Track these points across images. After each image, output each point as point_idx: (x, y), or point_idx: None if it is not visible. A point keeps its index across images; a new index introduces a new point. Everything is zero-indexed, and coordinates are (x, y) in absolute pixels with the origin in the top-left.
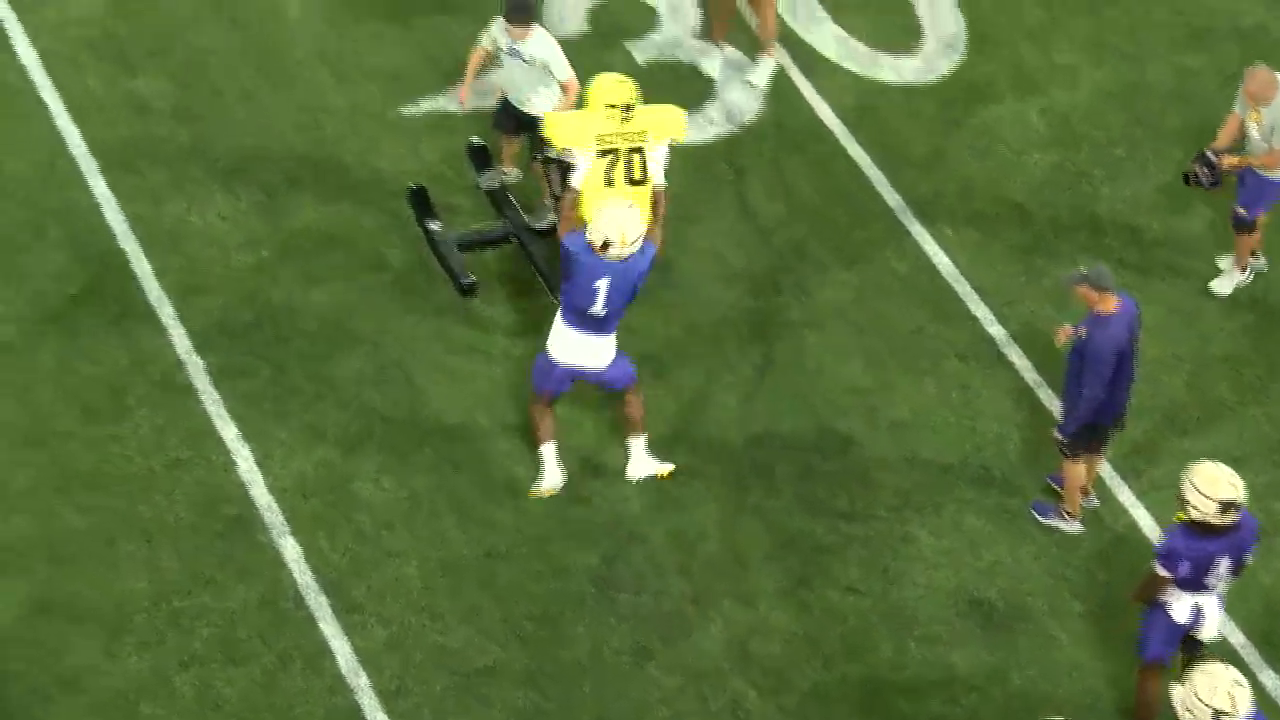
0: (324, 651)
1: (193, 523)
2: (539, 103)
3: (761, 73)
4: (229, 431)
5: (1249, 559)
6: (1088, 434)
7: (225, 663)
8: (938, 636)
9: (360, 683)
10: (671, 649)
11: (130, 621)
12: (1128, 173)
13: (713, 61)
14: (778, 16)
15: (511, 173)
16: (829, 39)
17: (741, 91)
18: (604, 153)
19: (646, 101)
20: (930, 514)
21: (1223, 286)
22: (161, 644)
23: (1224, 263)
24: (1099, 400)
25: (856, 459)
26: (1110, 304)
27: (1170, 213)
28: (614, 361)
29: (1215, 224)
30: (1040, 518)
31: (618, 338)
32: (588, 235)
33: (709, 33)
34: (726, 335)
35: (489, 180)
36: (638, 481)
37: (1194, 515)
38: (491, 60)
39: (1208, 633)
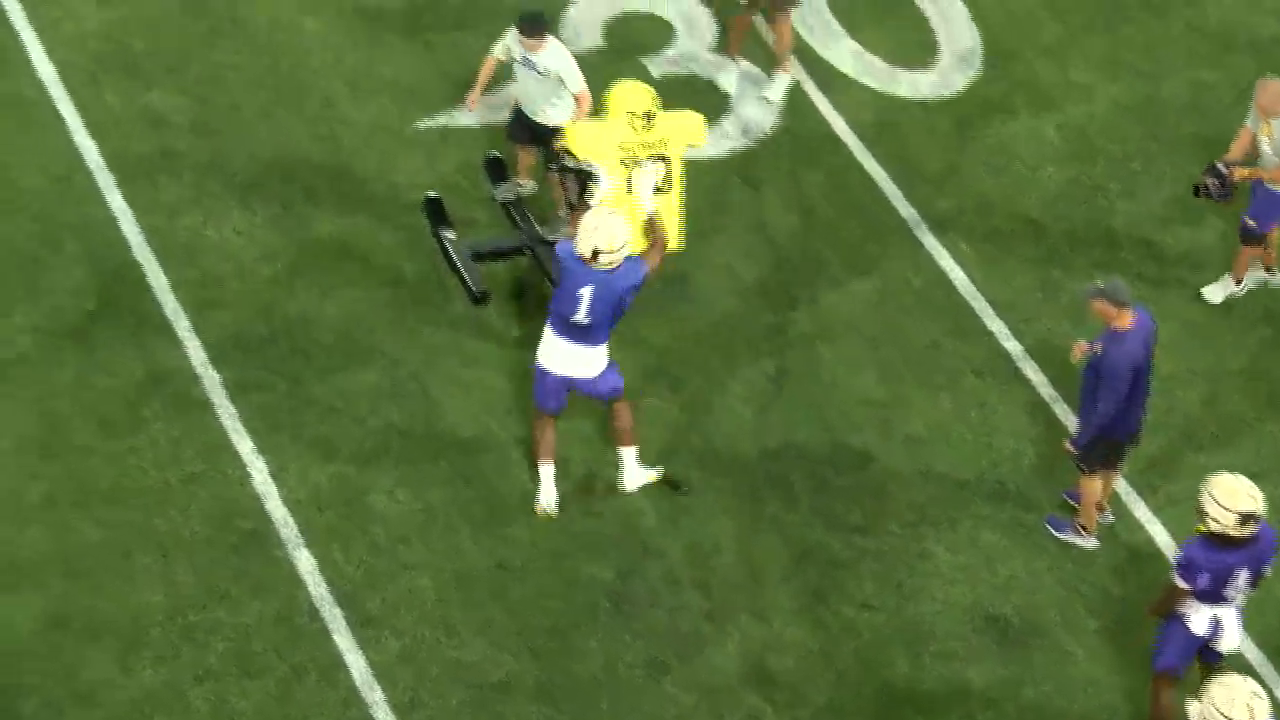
0: (338, 665)
1: (208, 536)
2: (553, 114)
3: (777, 88)
4: (244, 445)
5: (1268, 571)
6: (1104, 449)
7: (240, 676)
8: (953, 652)
9: (375, 696)
10: (687, 664)
11: (145, 635)
12: (1144, 187)
13: (729, 76)
14: (794, 31)
15: (527, 184)
16: (845, 54)
17: (757, 106)
18: (626, 163)
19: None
20: (946, 529)
21: (1214, 294)
22: (176, 658)
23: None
24: (1112, 415)
25: (872, 473)
26: (1126, 319)
27: (1187, 227)
28: (605, 373)
29: (1229, 236)
30: (1056, 533)
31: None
32: (576, 246)
33: (725, 48)
34: (741, 348)
35: (504, 193)
36: (638, 490)
37: (1213, 527)
38: (504, 71)
39: (1227, 645)
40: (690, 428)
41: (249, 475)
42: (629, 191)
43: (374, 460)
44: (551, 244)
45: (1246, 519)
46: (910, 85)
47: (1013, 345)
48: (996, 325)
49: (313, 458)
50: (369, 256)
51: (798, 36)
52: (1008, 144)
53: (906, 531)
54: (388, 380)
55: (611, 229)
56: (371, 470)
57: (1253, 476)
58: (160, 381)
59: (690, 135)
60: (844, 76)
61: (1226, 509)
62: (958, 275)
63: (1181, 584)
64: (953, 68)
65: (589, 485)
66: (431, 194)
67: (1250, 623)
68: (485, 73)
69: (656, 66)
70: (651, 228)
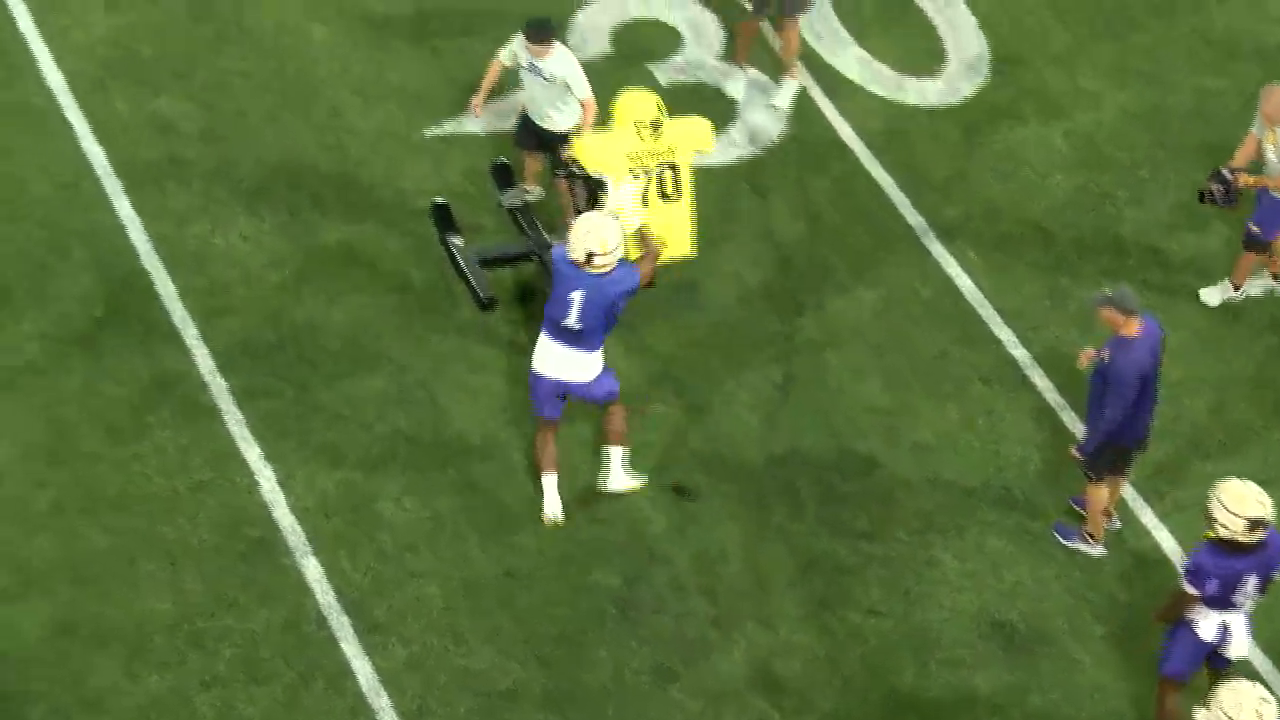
0: (346, 672)
1: (215, 543)
2: (559, 119)
3: (785, 95)
4: (252, 452)
5: (1277, 576)
6: (1111, 456)
7: (247, 683)
8: (960, 659)
9: (382, 703)
10: (693, 671)
11: (152, 642)
12: (1151, 194)
13: (736, 84)
14: (801, 39)
15: (534, 191)
16: (852, 61)
17: (765, 113)
18: (635, 173)
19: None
20: (953, 536)
21: (1211, 297)
22: (183, 664)
23: (1250, 284)
24: (1119, 422)
25: (878, 480)
26: (1134, 327)
27: (1194, 234)
28: (600, 378)
29: (1235, 244)
30: (1063, 540)
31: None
32: (569, 251)
33: (733, 55)
34: (748, 355)
35: (512, 199)
36: (612, 491)
37: (1221, 533)
38: (512, 77)
39: (1235, 651)
40: (697, 434)
41: (256, 482)
42: (643, 204)
43: (381, 467)
44: None
45: (1255, 525)
46: (918, 92)
47: (1020, 353)
48: (1004, 333)
49: (320, 464)
50: (376, 263)
51: (805, 43)
52: (1015, 151)
53: (913, 538)
54: (395, 387)
55: (605, 232)
56: (379, 477)
57: (1260, 484)
58: (168, 388)
59: (698, 141)
60: (851, 84)
61: (1235, 515)
62: (965, 283)
63: (1190, 590)
64: (960, 75)
65: (595, 492)
66: (438, 200)
67: (1259, 629)
68: (490, 77)
69: (664, 73)
70: (642, 239)
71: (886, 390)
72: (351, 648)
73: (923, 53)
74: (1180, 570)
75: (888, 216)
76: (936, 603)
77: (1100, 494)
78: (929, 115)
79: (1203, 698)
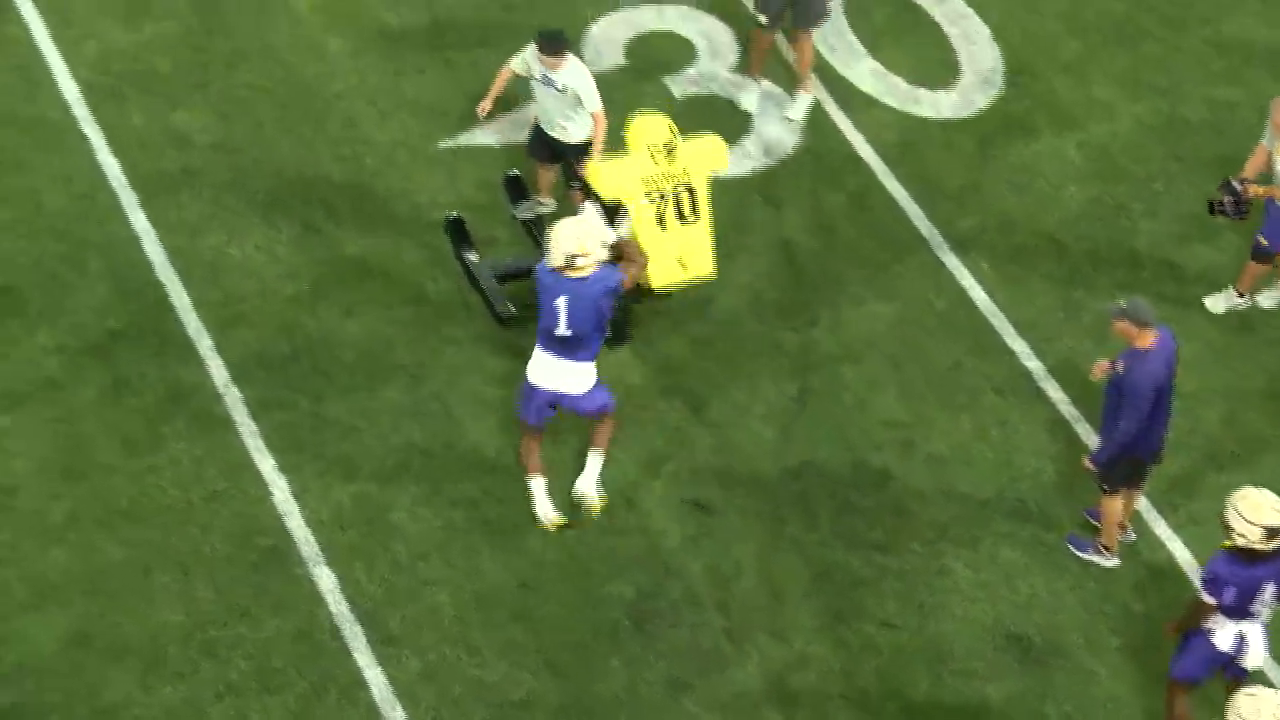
0: (359, 682)
1: (229, 554)
2: (571, 131)
3: (799, 107)
4: (266, 463)
5: None
6: (1126, 468)
7: (260, 693)
8: (974, 671)
9: (395, 714)
10: (707, 683)
11: (166, 653)
12: (1165, 206)
13: (750, 96)
14: (815, 51)
15: (548, 203)
16: (866, 74)
17: (779, 126)
18: (654, 199)
19: (684, 135)
20: (967, 548)
21: (1216, 305)
22: (197, 674)
23: (1263, 296)
24: (1133, 434)
25: (893, 492)
26: (1149, 339)
27: (1208, 246)
28: (592, 392)
29: (1246, 255)
30: (1077, 552)
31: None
32: (549, 258)
33: (747, 67)
34: (762, 368)
35: (525, 211)
36: (577, 491)
37: (1239, 541)
38: (525, 90)
39: (1252, 661)
40: (711, 447)
41: (270, 493)
42: (660, 226)
43: (395, 479)
44: None
45: (1272, 533)
46: (932, 104)
47: (1034, 364)
48: (1018, 344)
49: (334, 476)
50: (391, 275)
51: (819, 56)
52: (1030, 163)
53: (927, 550)
54: (409, 399)
55: (583, 233)
56: (393, 489)
57: (1276, 494)
58: (182, 400)
59: (713, 161)
60: (865, 96)
61: (1252, 523)
62: (979, 294)
63: (1208, 599)
64: (974, 87)
65: (610, 505)
66: (453, 215)
67: (1276, 640)
68: (499, 82)
69: (678, 86)
70: (624, 251)
71: (901, 402)
72: (365, 658)
73: (937, 64)
74: (1196, 581)
75: (902, 228)
76: (950, 614)
77: (1115, 506)
78: (943, 127)
79: (1219, 709)
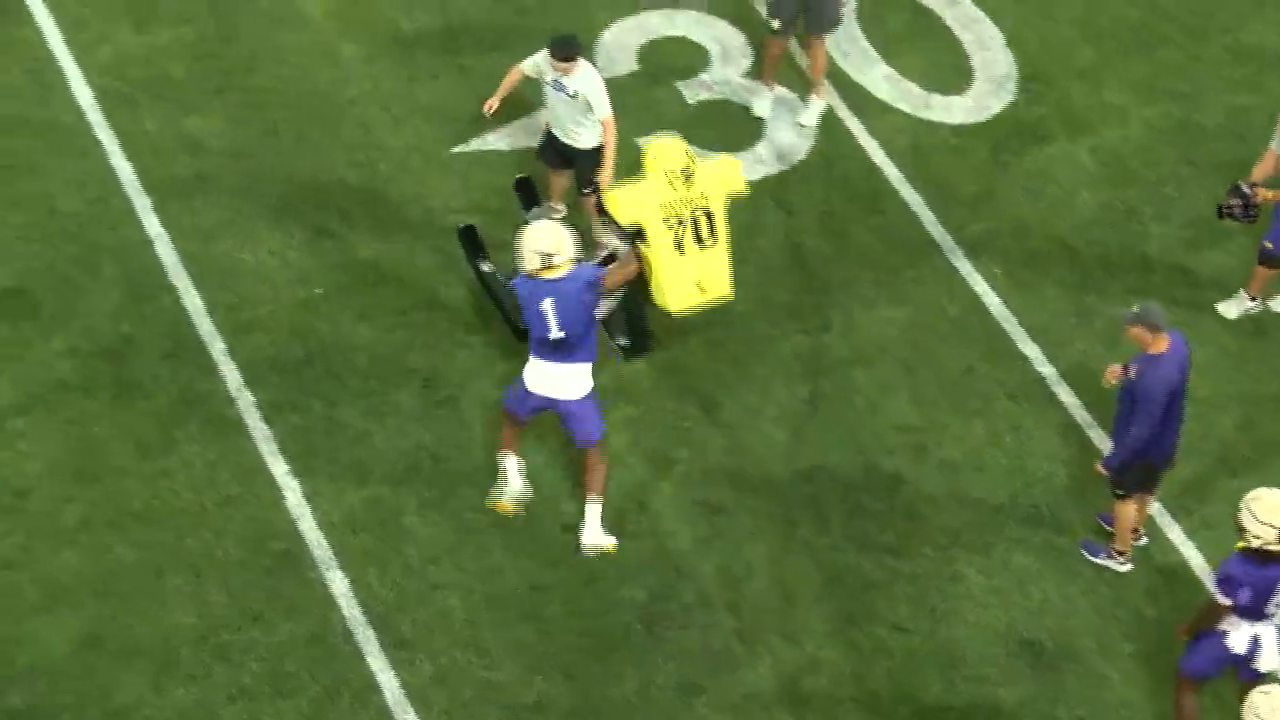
0: (371, 686)
1: (241, 558)
2: (582, 136)
3: (812, 113)
4: (279, 467)
5: None
6: (1139, 473)
7: (273, 696)
8: (986, 675)
9: (407, 718)
10: (719, 686)
11: (178, 655)
12: (1178, 211)
13: (763, 102)
14: (828, 57)
15: (560, 208)
16: (879, 79)
17: (792, 132)
18: (671, 223)
19: (697, 140)
20: (979, 552)
21: (1229, 310)
22: (209, 677)
23: (1277, 301)
24: (1146, 439)
25: (905, 496)
26: (1162, 344)
27: (1220, 251)
28: (586, 402)
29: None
30: (1090, 557)
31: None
32: (523, 264)
33: (759, 73)
34: (775, 372)
35: (537, 216)
36: (586, 548)
37: (1253, 543)
38: (537, 96)
39: (1266, 664)
40: (723, 449)
41: (283, 497)
42: (679, 251)
43: (407, 482)
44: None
45: None
46: (945, 110)
47: (1047, 369)
48: (1031, 349)
49: (347, 480)
50: (403, 280)
51: (832, 61)
52: (1043, 168)
53: (940, 554)
54: (421, 403)
55: (553, 234)
56: (405, 492)
57: None
58: (195, 404)
59: (730, 183)
60: (879, 101)
61: (1266, 524)
62: (992, 299)
63: (1223, 599)
64: (988, 92)
65: (621, 508)
66: (465, 225)
67: None
68: (508, 82)
69: (690, 91)
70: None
71: (913, 406)
72: (377, 661)
73: (950, 70)
74: (1209, 586)
75: (914, 233)
76: (963, 619)
77: (1128, 511)
78: (956, 132)
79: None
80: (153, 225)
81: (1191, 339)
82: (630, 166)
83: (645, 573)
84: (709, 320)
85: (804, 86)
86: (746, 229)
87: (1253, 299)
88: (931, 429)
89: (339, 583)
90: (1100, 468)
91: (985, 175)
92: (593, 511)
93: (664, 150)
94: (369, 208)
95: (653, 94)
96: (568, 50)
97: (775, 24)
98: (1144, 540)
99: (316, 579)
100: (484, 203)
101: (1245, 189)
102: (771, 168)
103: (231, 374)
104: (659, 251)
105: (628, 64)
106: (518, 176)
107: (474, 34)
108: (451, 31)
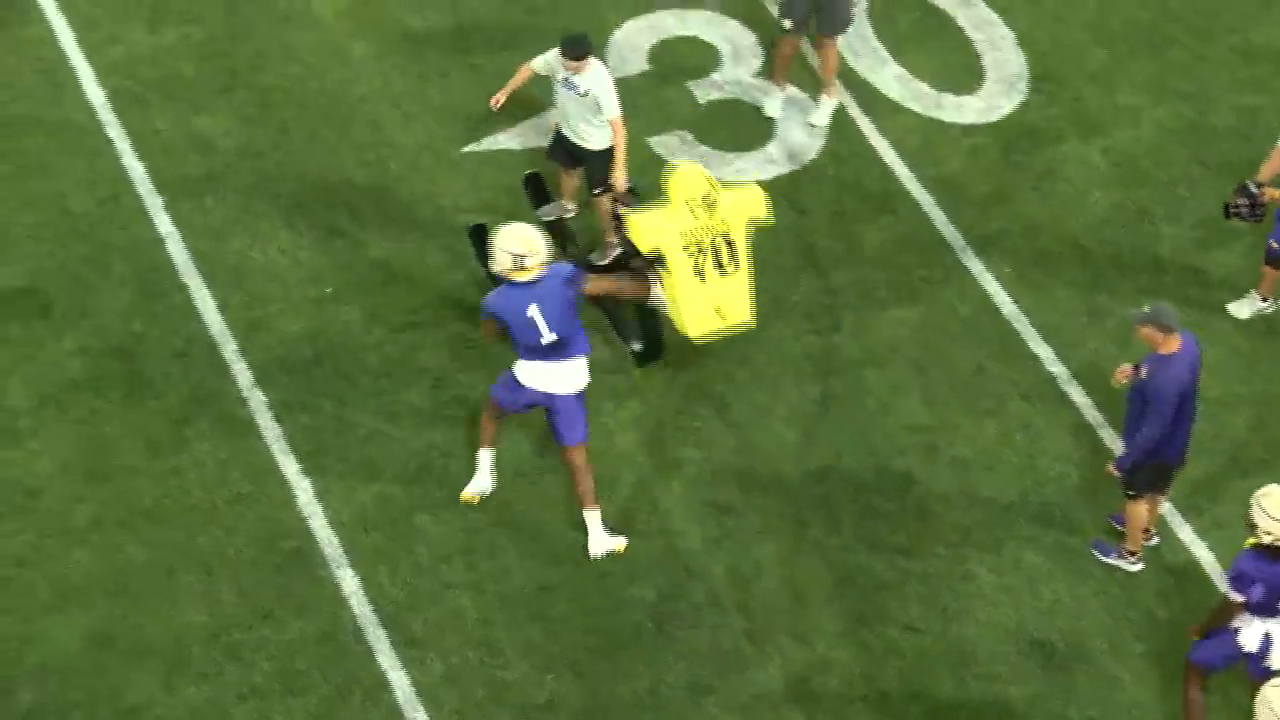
0: (383, 684)
1: (252, 556)
2: (592, 136)
3: (823, 113)
4: (290, 466)
5: None
6: (1151, 473)
7: (284, 694)
8: (997, 675)
9: (418, 717)
10: (729, 685)
11: (189, 654)
12: (1189, 211)
13: (774, 102)
14: (839, 56)
15: (571, 207)
16: (890, 79)
17: (803, 132)
18: (692, 250)
19: (708, 140)
20: (990, 552)
21: (1241, 310)
22: (220, 676)
23: None
24: (1157, 439)
25: (916, 496)
26: (1173, 344)
27: (1231, 252)
28: (579, 399)
29: None
30: (1101, 557)
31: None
32: (494, 266)
33: (771, 73)
34: (786, 372)
35: (549, 214)
36: (596, 556)
37: (1264, 539)
38: (548, 96)
39: (1278, 661)
40: (733, 449)
41: (294, 496)
42: (699, 278)
43: (418, 481)
44: (599, 268)
45: None
46: (956, 109)
47: (1058, 369)
48: (1042, 349)
49: (357, 479)
50: (414, 279)
51: (843, 61)
52: (1054, 168)
53: (951, 554)
54: (432, 402)
55: (525, 235)
56: (416, 491)
57: None
58: (206, 403)
59: (752, 211)
60: (890, 101)
61: (1277, 520)
62: (1003, 299)
63: (1235, 596)
64: (999, 92)
65: (630, 507)
66: (476, 224)
67: None
68: (518, 78)
69: (702, 91)
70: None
71: (924, 406)
72: (388, 660)
73: (961, 70)
74: (1220, 586)
75: (926, 233)
76: (974, 619)
77: (1140, 511)
78: (967, 132)
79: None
80: (164, 224)
81: (1203, 339)
82: (640, 166)
83: (655, 572)
84: None
85: (815, 86)
86: (758, 229)
87: (1264, 300)
88: (943, 429)
89: (350, 581)
90: (1113, 469)
91: (996, 175)
92: (592, 520)
93: (686, 177)
94: (379, 207)
95: (664, 94)
96: (579, 49)
97: (787, 24)
98: (1155, 540)
99: (327, 577)
100: (494, 202)
101: (1252, 188)
102: (783, 168)
103: (243, 373)
104: (679, 278)
105: (639, 64)
106: (527, 172)
107: (485, 33)
108: (462, 30)
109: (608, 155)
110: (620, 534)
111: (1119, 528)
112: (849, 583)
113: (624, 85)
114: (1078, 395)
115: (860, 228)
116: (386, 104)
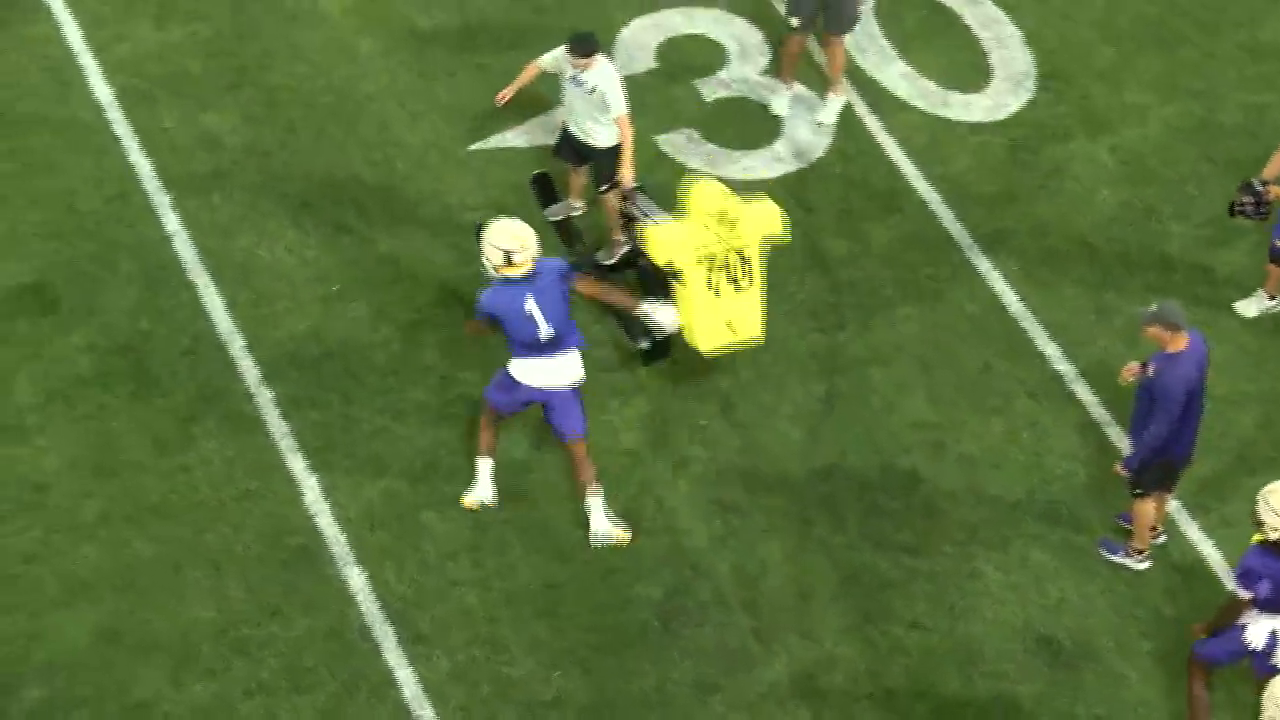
0: (389, 681)
1: (259, 553)
2: (599, 134)
3: (830, 111)
4: (297, 463)
5: None
6: (1158, 472)
7: (291, 691)
8: (1003, 672)
9: (425, 713)
10: (735, 683)
11: (197, 650)
12: (1197, 210)
13: (781, 100)
14: (846, 54)
15: (579, 206)
16: (898, 77)
17: (810, 130)
18: (706, 264)
19: (715, 138)
20: (997, 549)
21: (1248, 308)
22: (227, 672)
23: None
24: (1164, 438)
25: (922, 494)
26: (1181, 342)
27: (1239, 250)
28: (575, 392)
29: None
30: (1109, 555)
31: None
32: (485, 261)
33: (778, 71)
34: (792, 370)
35: (556, 212)
36: (599, 542)
37: (1271, 535)
38: (555, 94)
39: None
40: (738, 447)
41: (301, 492)
42: (713, 292)
43: (425, 478)
44: (606, 267)
45: None
46: (963, 108)
47: (1066, 367)
48: (1049, 348)
49: (364, 475)
50: (421, 276)
51: (850, 59)
52: (1061, 166)
53: (957, 552)
54: (438, 399)
55: (516, 231)
56: (422, 488)
57: None
58: (213, 399)
59: (768, 227)
60: (897, 99)
61: None
62: (1010, 298)
63: (1243, 593)
64: (1006, 90)
65: (637, 505)
66: (482, 222)
67: None
68: (525, 75)
69: (709, 89)
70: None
71: (930, 405)
72: (395, 657)
73: (968, 68)
74: (1227, 584)
75: (933, 232)
76: (980, 616)
77: (1147, 509)
78: (974, 130)
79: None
80: (171, 222)
81: (1211, 337)
82: (647, 164)
83: (661, 570)
84: None
85: (822, 84)
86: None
87: (1272, 298)
88: (949, 427)
89: (356, 578)
90: (1120, 469)
91: (1004, 173)
92: (595, 501)
93: (702, 192)
94: (386, 204)
95: (671, 92)
96: (587, 47)
97: (794, 21)
98: (1162, 538)
99: (334, 574)
100: (501, 200)
101: (1257, 186)
102: (789, 166)
103: (249, 370)
104: (692, 291)
105: (646, 62)
106: (535, 172)
107: (491, 32)
108: (469, 29)
109: (615, 153)
110: (623, 526)
111: (1126, 526)
112: (855, 581)
113: (631, 83)
114: (1085, 393)
115: (867, 226)
116: (393, 102)
